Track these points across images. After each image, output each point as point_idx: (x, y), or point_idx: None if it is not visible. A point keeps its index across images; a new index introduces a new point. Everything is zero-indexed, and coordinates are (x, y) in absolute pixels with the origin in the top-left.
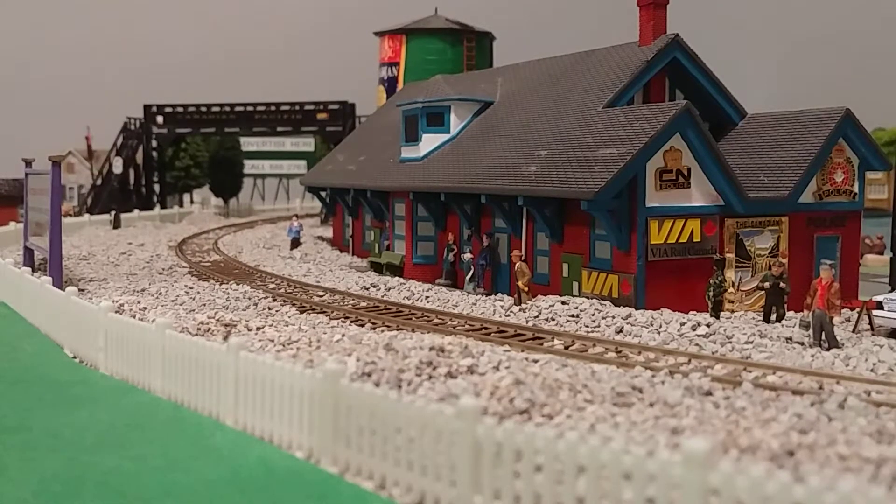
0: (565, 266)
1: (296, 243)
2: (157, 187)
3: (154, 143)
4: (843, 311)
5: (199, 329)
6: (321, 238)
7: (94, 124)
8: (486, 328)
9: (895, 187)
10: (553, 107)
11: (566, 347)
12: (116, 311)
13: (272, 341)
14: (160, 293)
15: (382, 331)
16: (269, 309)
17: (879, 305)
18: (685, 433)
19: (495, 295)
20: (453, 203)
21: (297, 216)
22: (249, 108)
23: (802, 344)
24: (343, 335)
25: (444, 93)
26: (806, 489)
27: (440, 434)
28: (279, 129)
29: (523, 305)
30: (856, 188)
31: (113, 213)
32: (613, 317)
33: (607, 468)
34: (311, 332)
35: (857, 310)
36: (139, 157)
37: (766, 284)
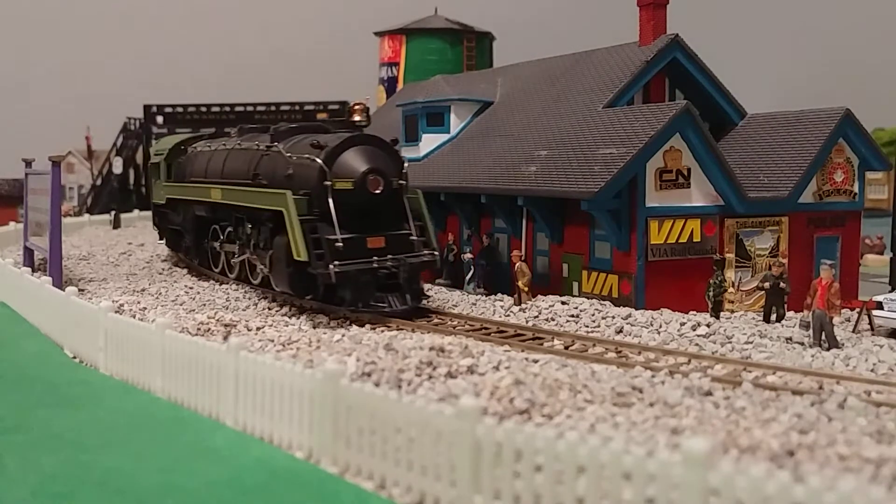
0: (565, 266)
1: None
2: None
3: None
4: (843, 311)
5: (199, 329)
6: None
7: (94, 124)
8: (486, 328)
9: (895, 187)
10: (553, 107)
11: (566, 347)
12: (116, 311)
13: (272, 341)
14: (160, 293)
15: (382, 331)
16: (269, 309)
17: (879, 305)
18: (685, 433)
19: (495, 295)
20: (453, 203)
21: None
22: (249, 108)
23: (802, 344)
24: (343, 335)
25: (444, 93)
26: (806, 489)
27: (440, 434)
28: None
29: (523, 305)
30: (856, 188)
31: (113, 213)
32: (613, 317)
33: (607, 468)
34: (311, 332)
35: (857, 310)
36: (139, 157)
37: (766, 284)
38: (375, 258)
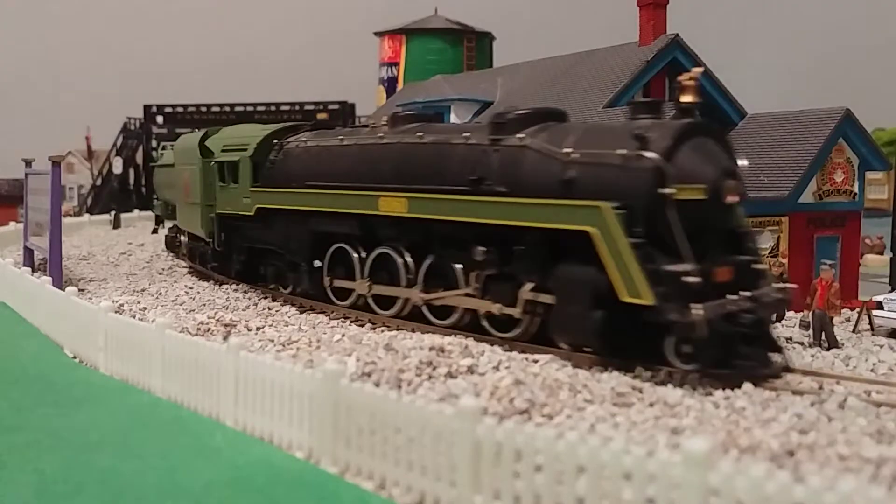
0: None
1: None
2: None
3: (154, 143)
4: (843, 311)
5: (199, 329)
6: None
7: (94, 124)
8: None
9: (895, 187)
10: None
11: None
12: (116, 311)
13: (272, 341)
14: (160, 293)
15: (382, 331)
16: (269, 309)
17: (879, 305)
18: (685, 433)
19: None
20: None
21: None
22: (249, 108)
23: (802, 344)
24: (343, 335)
25: (444, 93)
26: (806, 489)
27: (440, 434)
28: None
29: None
30: (856, 188)
31: (113, 213)
32: None
33: (607, 468)
34: (311, 332)
35: (857, 310)
36: (139, 157)
37: None
38: (729, 297)
